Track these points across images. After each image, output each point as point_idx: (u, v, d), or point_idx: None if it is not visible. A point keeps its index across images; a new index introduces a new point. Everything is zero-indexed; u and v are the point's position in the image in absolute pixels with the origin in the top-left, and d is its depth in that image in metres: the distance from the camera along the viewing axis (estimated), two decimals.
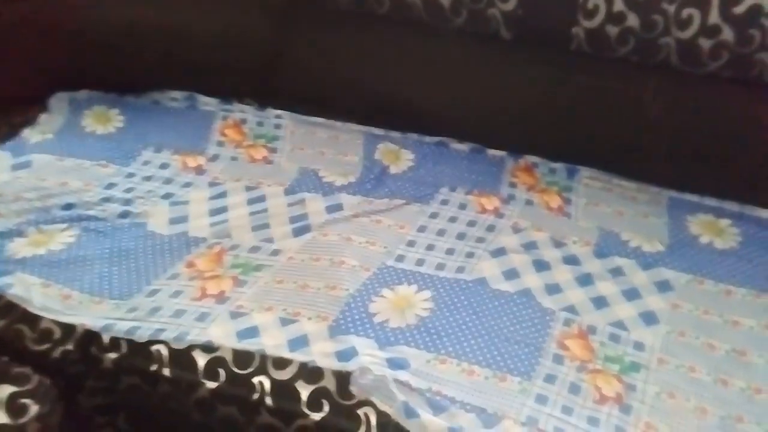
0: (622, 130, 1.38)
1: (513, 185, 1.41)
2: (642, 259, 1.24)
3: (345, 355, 1.03)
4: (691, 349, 1.08)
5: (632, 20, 1.31)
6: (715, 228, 1.30)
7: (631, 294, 1.17)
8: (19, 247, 1.19)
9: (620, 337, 1.09)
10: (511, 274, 1.20)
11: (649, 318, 1.13)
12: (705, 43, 1.29)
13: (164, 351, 1.05)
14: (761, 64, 1.27)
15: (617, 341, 1.09)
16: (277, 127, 1.52)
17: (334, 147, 1.48)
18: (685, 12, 1.28)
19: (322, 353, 1.04)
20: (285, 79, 1.58)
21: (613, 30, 1.33)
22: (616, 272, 1.21)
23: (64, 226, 1.25)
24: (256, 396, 1.02)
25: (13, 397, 1.02)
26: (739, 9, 1.25)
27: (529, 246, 1.26)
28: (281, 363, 1.03)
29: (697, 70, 1.31)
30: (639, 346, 1.08)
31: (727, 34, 1.27)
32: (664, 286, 1.18)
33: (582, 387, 1.01)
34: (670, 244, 1.27)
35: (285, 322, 1.08)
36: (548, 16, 1.37)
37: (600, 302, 1.15)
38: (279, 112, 1.54)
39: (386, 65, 1.50)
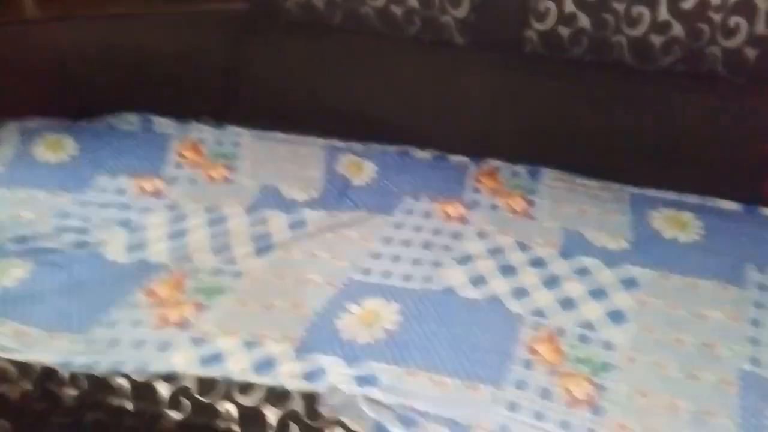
0: (582, 129, 1.39)
1: (477, 191, 1.40)
2: (607, 258, 1.23)
3: (313, 375, 1.01)
4: (661, 346, 1.08)
5: (583, 21, 1.32)
6: (677, 222, 1.31)
7: (598, 293, 1.17)
8: None
9: (589, 337, 1.09)
10: (478, 281, 1.19)
11: (617, 316, 1.12)
12: (656, 40, 1.30)
13: (126, 384, 1.02)
14: (712, 58, 1.29)
15: (586, 342, 1.08)
16: (236, 145, 1.49)
17: (295, 162, 1.46)
18: (635, 10, 1.30)
19: (289, 375, 1.01)
20: (243, 95, 1.56)
21: (565, 31, 1.34)
22: (582, 272, 1.21)
23: (18, 260, 1.21)
24: (222, 424, 0.99)
25: None
26: (687, 4, 1.27)
27: (495, 251, 1.25)
28: (247, 388, 1.00)
29: (650, 66, 1.33)
30: (608, 345, 1.08)
31: (677, 29, 1.29)
32: (630, 284, 1.18)
33: (553, 391, 1.01)
34: (635, 241, 1.27)
35: (250, 345, 1.06)
36: (500, 20, 1.38)
37: (567, 303, 1.15)
38: (238, 129, 1.52)
39: (343, 76, 1.49)
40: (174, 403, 1.01)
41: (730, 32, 1.27)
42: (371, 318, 1.11)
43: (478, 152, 1.46)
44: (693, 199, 1.35)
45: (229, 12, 1.59)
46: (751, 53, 1.27)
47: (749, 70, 1.28)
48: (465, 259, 1.23)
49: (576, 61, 1.35)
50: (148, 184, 1.38)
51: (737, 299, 1.15)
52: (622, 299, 1.15)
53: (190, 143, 1.48)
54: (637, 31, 1.29)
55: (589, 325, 1.11)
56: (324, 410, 0.97)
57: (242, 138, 1.50)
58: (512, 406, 0.98)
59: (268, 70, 1.54)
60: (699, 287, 1.17)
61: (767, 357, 1.06)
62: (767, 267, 1.20)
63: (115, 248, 1.24)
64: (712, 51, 1.27)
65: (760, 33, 1.25)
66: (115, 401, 1.02)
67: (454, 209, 1.35)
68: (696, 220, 1.31)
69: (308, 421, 0.98)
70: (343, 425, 0.96)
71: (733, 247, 1.24)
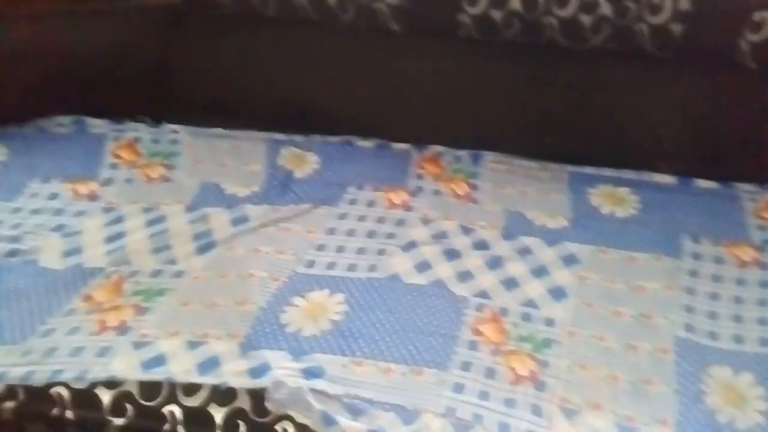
0: (520, 111, 1.40)
1: (420, 177, 1.40)
2: (548, 236, 1.25)
3: (258, 371, 1.00)
4: (600, 319, 1.10)
5: (515, 3, 1.33)
6: (614, 197, 1.34)
7: (540, 272, 1.18)
8: None
9: (531, 315, 1.11)
10: (423, 267, 1.19)
11: (557, 293, 1.14)
12: (585, 19, 1.32)
13: (65, 393, 0.99)
14: (640, 35, 1.32)
15: (529, 320, 1.10)
16: (174, 142, 1.46)
17: (235, 157, 1.43)
18: None
19: (234, 373, 1.00)
20: (178, 92, 1.53)
21: (497, 14, 1.35)
22: (524, 252, 1.23)
23: None
24: (167, 427, 0.97)
25: None
26: None
27: (439, 236, 1.26)
28: (191, 389, 0.99)
29: (582, 46, 1.35)
30: (550, 322, 1.10)
31: (606, 8, 1.31)
32: (570, 260, 1.21)
33: (497, 370, 1.02)
34: (574, 218, 1.29)
35: (193, 345, 1.03)
36: (434, 5, 1.38)
37: (510, 284, 1.16)
38: (175, 126, 1.49)
39: (281, 68, 1.47)
40: (116, 409, 0.98)
41: (656, 8, 1.29)
42: (317, 310, 1.10)
43: (420, 139, 1.46)
44: (629, 174, 1.38)
45: (160, 6, 1.55)
46: (676, 29, 1.30)
47: (675, 45, 1.31)
48: (409, 246, 1.23)
49: (510, 44, 1.36)
50: (83, 187, 1.34)
51: (672, 269, 1.18)
52: (562, 276, 1.18)
53: (126, 143, 1.44)
54: (567, 12, 1.31)
55: (531, 304, 1.13)
56: (271, 405, 0.96)
57: (180, 135, 1.47)
58: (458, 388, 0.99)
59: (204, 64, 1.50)
60: (636, 260, 1.20)
61: (701, 323, 1.10)
62: (701, 236, 1.24)
63: (50, 255, 1.20)
64: (639, 28, 1.30)
65: (684, 8, 1.28)
66: (55, 411, 0.99)
67: (398, 197, 1.35)
68: (632, 195, 1.34)
69: (255, 418, 0.97)
70: (290, 419, 0.96)
71: (668, 219, 1.28)
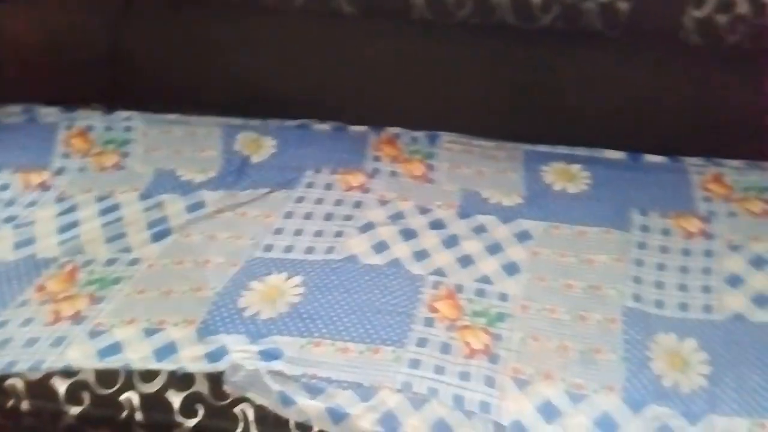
0: (474, 91, 1.41)
1: (377, 159, 1.41)
2: (502, 214, 1.28)
3: (215, 355, 1.01)
4: (551, 292, 1.13)
5: None
6: (567, 174, 1.36)
7: (494, 248, 1.21)
8: None
9: (485, 291, 1.13)
10: (380, 247, 1.21)
11: (511, 269, 1.17)
12: None
13: (20, 384, 0.98)
14: (589, 13, 1.34)
15: (483, 295, 1.12)
16: (128, 129, 1.44)
17: (191, 143, 1.42)
18: None
19: (191, 358, 1.01)
20: (131, 78, 1.51)
21: None
22: (479, 230, 1.25)
23: None
24: (125, 414, 0.98)
25: None
26: None
27: (396, 216, 1.28)
28: (149, 375, 0.99)
29: (532, 25, 1.36)
30: (503, 296, 1.12)
31: None
32: (523, 236, 1.23)
33: (452, 345, 1.04)
34: (527, 196, 1.32)
35: (149, 332, 1.04)
36: None
37: (466, 261, 1.19)
38: (128, 113, 1.47)
39: (234, 52, 1.46)
40: (72, 398, 0.98)
41: None
42: (274, 293, 1.11)
43: (377, 121, 1.47)
44: (582, 151, 1.41)
45: None
46: (623, 7, 1.32)
47: (623, 24, 1.34)
48: (367, 227, 1.24)
49: (462, 25, 1.37)
50: (35, 177, 1.32)
51: (621, 242, 1.22)
52: (516, 252, 1.20)
53: (78, 131, 1.42)
54: None
55: (485, 280, 1.15)
56: (228, 388, 0.97)
57: (133, 122, 1.45)
58: (414, 364, 1.01)
59: (156, 50, 1.48)
60: (586, 234, 1.23)
61: (649, 293, 1.13)
62: (649, 209, 1.28)
63: (2, 246, 1.18)
64: (587, 7, 1.32)
65: None
66: (10, 403, 0.98)
67: (356, 179, 1.36)
68: (584, 171, 1.37)
69: (214, 402, 0.98)
70: (249, 401, 0.97)
71: (617, 193, 1.31)
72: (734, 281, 1.14)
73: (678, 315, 1.10)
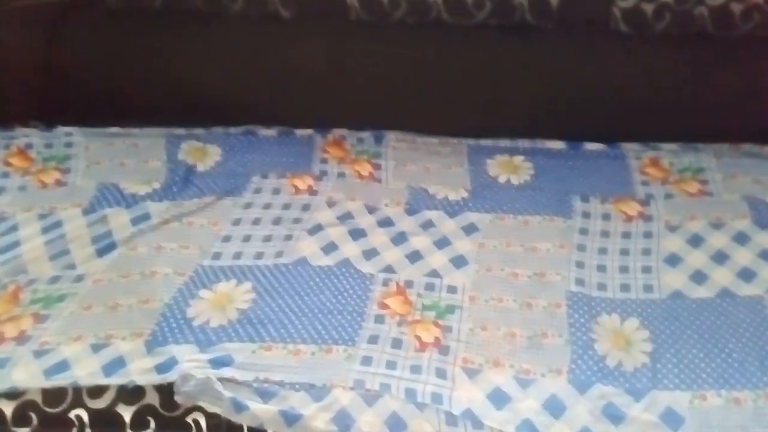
0: (415, 89, 1.43)
1: (324, 161, 1.42)
2: (449, 208, 1.30)
3: (165, 366, 1.00)
4: (498, 282, 1.15)
5: None
6: (510, 166, 1.40)
7: (442, 243, 1.23)
8: None
9: (435, 285, 1.15)
10: (329, 248, 1.21)
11: (459, 261, 1.19)
12: None
13: None
14: (521, 8, 1.37)
15: (432, 289, 1.14)
16: (69, 145, 1.42)
17: (134, 155, 1.41)
18: None
19: (140, 371, 1.00)
20: (70, 92, 1.48)
21: None
22: (427, 225, 1.27)
23: None
24: (74, 431, 0.96)
25: None
26: None
27: (345, 217, 1.29)
28: (97, 391, 0.98)
29: (466, 22, 1.39)
30: (452, 289, 1.14)
31: None
32: (470, 229, 1.26)
33: (403, 340, 1.06)
34: (473, 189, 1.34)
35: (97, 348, 1.03)
36: None
37: (415, 257, 1.20)
38: (69, 129, 1.44)
39: (174, 61, 1.45)
40: (20, 419, 0.96)
41: None
42: (224, 301, 1.11)
43: (323, 123, 1.48)
44: (524, 143, 1.45)
45: (42, 6, 1.49)
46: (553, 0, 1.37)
47: (554, 15, 1.37)
48: (316, 229, 1.25)
49: (398, 24, 1.39)
50: None
51: (564, 229, 1.25)
52: (463, 245, 1.22)
53: (17, 149, 1.39)
54: None
55: (434, 274, 1.17)
56: (180, 399, 0.97)
57: (74, 137, 1.43)
58: (366, 361, 1.02)
59: (94, 63, 1.46)
60: (530, 223, 1.26)
61: (591, 276, 1.16)
62: (590, 196, 1.32)
63: None
64: (519, 1, 1.35)
65: None
66: None
67: (303, 182, 1.37)
68: (526, 163, 1.40)
69: (165, 413, 0.97)
70: (201, 410, 0.96)
71: (559, 182, 1.35)
72: (673, 260, 1.19)
73: (620, 296, 1.13)
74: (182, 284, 1.13)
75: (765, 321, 1.06)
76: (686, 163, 1.38)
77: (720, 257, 1.18)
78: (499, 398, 0.98)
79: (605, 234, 1.24)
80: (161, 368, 1.00)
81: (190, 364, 0.99)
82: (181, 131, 1.45)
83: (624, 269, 1.18)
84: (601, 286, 1.15)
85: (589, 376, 1.01)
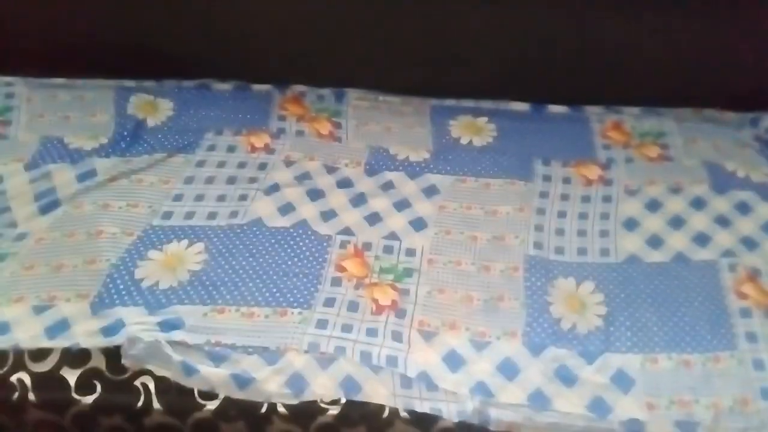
0: (377, 46, 1.38)
1: (282, 118, 1.37)
2: (410, 170, 1.27)
3: (111, 329, 0.97)
4: (457, 245, 1.14)
5: None
6: (473, 127, 1.37)
7: (402, 205, 1.21)
8: None
9: (393, 247, 1.13)
10: (286, 209, 1.18)
11: (418, 224, 1.17)
12: None
13: None
14: None
15: (391, 252, 1.13)
16: (9, 96, 1.33)
17: (79, 109, 1.33)
18: None
19: (86, 333, 0.97)
20: (11, 41, 1.37)
21: None
22: (387, 186, 1.24)
23: None
24: (16, 395, 0.93)
25: None
26: None
27: (303, 177, 1.25)
28: (40, 354, 0.94)
29: None
30: (410, 252, 1.13)
31: None
32: (431, 191, 1.23)
33: (360, 302, 1.04)
34: (435, 151, 1.32)
35: (39, 309, 0.99)
36: None
37: (373, 218, 1.18)
38: (9, 79, 1.36)
39: (121, 7, 1.35)
40: None
41: None
42: (174, 262, 1.07)
43: (282, 79, 1.42)
44: (487, 104, 1.42)
45: None
46: None
47: None
48: (272, 189, 1.21)
49: None
50: None
51: (524, 192, 1.24)
52: (423, 207, 1.20)
53: None
54: None
55: (393, 236, 1.15)
56: (127, 362, 0.94)
57: (16, 88, 1.35)
58: (321, 324, 1.01)
59: (37, 11, 1.35)
60: (491, 186, 1.25)
61: (549, 240, 1.16)
62: (551, 159, 1.30)
63: None
64: None
65: None
66: None
67: (260, 140, 1.32)
68: (489, 124, 1.38)
69: (112, 376, 0.94)
70: (149, 373, 0.94)
71: (521, 144, 1.33)
72: (630, 224, 1.19)
73: (576, 260, 1.13)
74: (130, 244, 1.09)
75: (717, 286, 1.08)
76: (647, 127, 1.38)
77: (677, 222, 1.19)
78: (454, 361, 0.98)
79: (565, 197, 1.23)
80: (107, 331, 0.96)
81: (138, 326, 0.96)
82: (130, 83, 1.38)
83: (582, 233, 1.18)
84: (559, 250, 1.14)
85: (544, 338, 1.01)
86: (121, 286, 1.02)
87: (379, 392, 0.94)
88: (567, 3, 1.33)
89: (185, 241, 1.11)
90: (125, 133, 1.29)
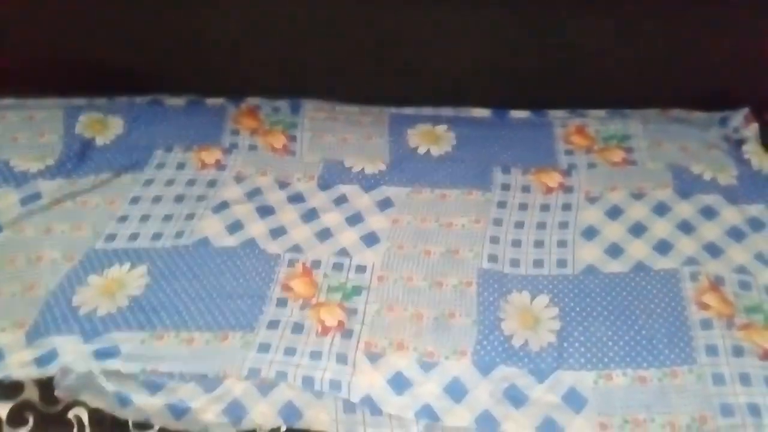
0: (334, 55, 1.34)
1: (235, 132, 1.34)
2: (365, 182, 1.24)
3: (45, 359, 0.94)
4: (409, 260, 1.11)
5: None
6: (432, 136, 1.33)
7: (355, 219, 1.17)
8: None
9: (343, 264, 1.10)
10: (234, 227, 1.15)
11: (370, 239, 1.14)
12: None
13: None
14: None
15: (340, 270, 1.09)
16: None
17: (28, 129, 1.30)
18: None
19: (19, 364, 0.94)
20: None
21: None
22: (340, 200, 1.21)
23: None
24: None
25: None
26: None
27: (253, 193, 1.22)
28: None
29: None
30: (361, 269, 1.09)
31: None
32: (385, 204, 1.20)
33: (305, 324, 1.01)
34: (391, 161, 1.28)
35: None
36: None
37: (324, 234, 1.15)
38: None
39: (72, 24, 1.32)
40: None
41: None
42: (114, 286, 1.04)
43: (238, 91, 1.39)
44: (447, 111, 1.38)
45: None
46: None
47: None
48: (221, 207, 1.18)
49: None
50: None
51: (481, 203, 1.20)
52: (376, 221, 1.17)
53: None
54: None
55: (344, 253, 1.12)
56: (60, 393, 0.91)
57: None
58: (263, 348, 0.97)
59: None
60: (447, 197, 1.21)
61: (505, 252, 1.12)
62: (512, 167, 1.26)
63: None
64: None
65: None
66: None
67: (211, 156, 1.28)
68: (449, 132, 1.34)
69: (44, 409, 0.92)
70: (83, 404, 0.91)
71: (481, 153, 1.29)
72: (590, 233, 1.15)
73: (532, 272, 1.09)
74: (70, 269, 1.06)
75: (678, 296, 1.04)
76: (612, 130, 1.33)
77: (638, 229, 1.14)
78: (399, 383, 0.94)
79: (523, 207, 1.19)
80: (41, 361, 0.94)
81: (71, 356, 0.94)
82: (81, 102, 1.35)
83: (539, 243, 1.14)
84: (514, 262, 1.10)
85: (494, 357, 0.97)
86: (58, 314, 1.00)
87: (320, 419, 0.91)
88: (528, 6, 1.30)
89: (127, 265, 1.08)
90: (71, 154, 1.26)
